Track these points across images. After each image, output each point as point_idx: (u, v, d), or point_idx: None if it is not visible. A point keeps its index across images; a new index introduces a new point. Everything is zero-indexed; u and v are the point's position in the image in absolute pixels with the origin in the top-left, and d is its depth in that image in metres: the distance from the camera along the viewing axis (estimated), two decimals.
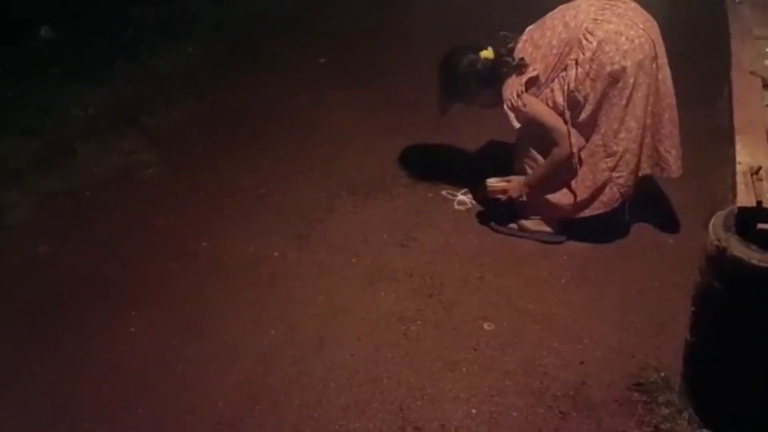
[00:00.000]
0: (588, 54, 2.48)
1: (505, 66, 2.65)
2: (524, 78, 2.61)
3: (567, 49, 2.53)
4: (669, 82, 2.58)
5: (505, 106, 2.66)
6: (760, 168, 1.71)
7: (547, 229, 2.84)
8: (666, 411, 2.05)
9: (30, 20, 4.51)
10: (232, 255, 2.87)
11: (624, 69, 2.45)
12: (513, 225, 2.91)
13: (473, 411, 2.16)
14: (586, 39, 2.49)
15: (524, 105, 2.60)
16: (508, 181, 2.81)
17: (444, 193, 3.14)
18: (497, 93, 2.69)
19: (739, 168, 1.74)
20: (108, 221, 3.09)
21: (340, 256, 2.83)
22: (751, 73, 2.16)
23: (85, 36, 4.47)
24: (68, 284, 2.75)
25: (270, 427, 2.15)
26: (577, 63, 2.51)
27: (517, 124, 2.66)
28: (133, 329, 2.53)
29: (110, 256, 2.89)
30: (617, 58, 2.45)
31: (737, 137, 1.86)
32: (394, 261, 2.79)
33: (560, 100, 2.57)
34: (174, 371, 2.36)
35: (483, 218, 2.97)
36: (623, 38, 2.45)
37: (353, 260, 2.81)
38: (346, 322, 2.52)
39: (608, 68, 2.46)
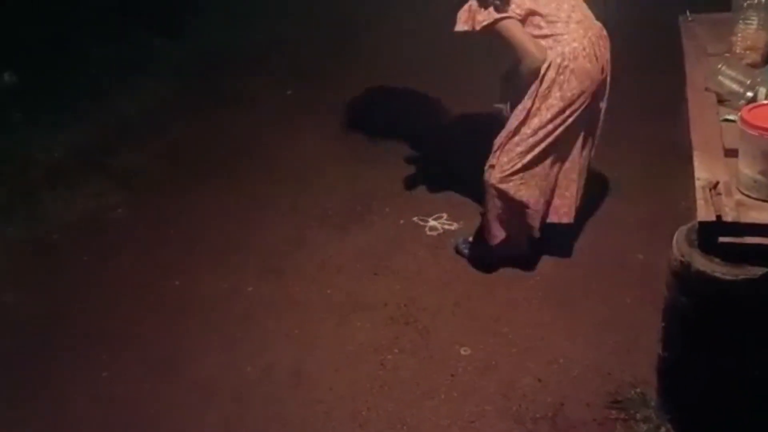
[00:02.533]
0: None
1: None
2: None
3: None
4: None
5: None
6: (717, 183, 1.75)
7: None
8: (644, 427, 2.06)
9: None
10: (205, 293, 2.84)
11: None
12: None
13: None
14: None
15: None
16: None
17: (415, 219, 3.16)
18: None
19: (698, 183, 1.77)
20: (76, 265, 3.05)
21: (314, 288, 2.82)
22: (706, 89, 2.21)
23: (47, 79, 4.44)
24: (37, 332, 2.70)
25: None
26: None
27: (461, 28, 2.46)
28: (105, 374, 2.49)
29: (80, 300, 2.85)
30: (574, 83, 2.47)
31: (695, 153, 1.90)
32: (369, 290, 2.78)
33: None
34: (148, 415, 2.32)
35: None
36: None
37: (327, 292, 2.80)
38: (323, 356, 2.50)
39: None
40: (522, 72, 2.51)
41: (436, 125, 3.75)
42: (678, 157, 3.11)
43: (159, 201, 3.45)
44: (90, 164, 3.72)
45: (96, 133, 4.01)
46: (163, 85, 4.53)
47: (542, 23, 2.45)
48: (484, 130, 2.72)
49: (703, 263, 1.69)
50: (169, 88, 4.50)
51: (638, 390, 2.18)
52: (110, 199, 3.45)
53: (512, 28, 2.43)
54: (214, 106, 4.23)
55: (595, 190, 3.12)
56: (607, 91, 2.63)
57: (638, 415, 2.10)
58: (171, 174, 3.65)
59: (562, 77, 2.45)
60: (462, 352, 2.46)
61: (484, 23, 2.42)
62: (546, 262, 2.85)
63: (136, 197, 3.46)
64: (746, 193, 1.75)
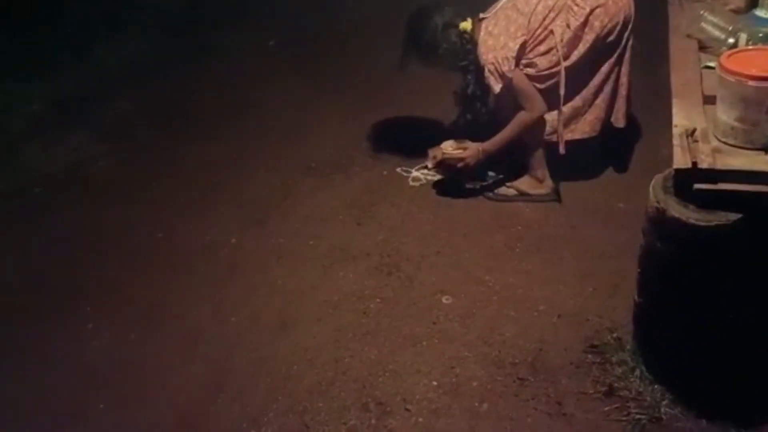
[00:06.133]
0: (580, 19, 2.61)
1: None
2: (515, 44, 2.62)
3: (553, 14, 2.63)
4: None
5: (486, 71, 2.67)
6: (695, 130, 1.75)
7: (541, 189, 2.88)
8: (619, 370, 2.11)
9: None
10: (189, 245, 2.85)
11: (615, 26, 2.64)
12: (504, 189, 2.94)
13: (434, 383, 2.19)
14: (577, 5, 2.61)
15: (510, 70, 2.63)
16: (464, 148, 2.82)
17: (399, 170, 3.16)
18: (466, 60, 2.71)
19: (675, 131, 1.78)
20: (59, 218, 3.05)
21: (297, 239, 2.83)
22: (688, 36, 2.19)
23: (27, 32, 4.35)
24: (21, 285, 2.71)
25: (235, 414, 2.16)
26: (568, 27, 2.61)
27: (497, 89, 2.68)
28: (90, 326, 2.50)
29: (63, 253, 2.85)
30: (606, 21, 2.62)
31: (674, 100, 1.90)
32: (352, 241, 2.80)
33: (543, 64, 2.67)
34: (134, 366, 2.34)
35: (476, 191, 2.98)
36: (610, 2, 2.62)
37: (311, 243, 2.81)
38: (307, 305, 2.53)
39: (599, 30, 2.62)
40: (522, 117, 2.71)
41: (422, 76, 3.70)
42: (661, 105, 3.12)
43: (141, 153, 3.42)
44: (71, 117, 3.68)
45: (77, 86, 3.96)
46: (144, 37, 4.45)
47: None
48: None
49: (678, 209, 1.70)
50: (150, 41, 4.42)
51: (615, 335, 2.23)
52: (91, 152, 3.42)
53: (524, 79, 2.67)
54: (196, 59, 4.17)
55: (576, 139, 3.12)
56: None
57: (614, 359, 2.14)
58: (153, 126, 3.62)
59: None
60: (444, 301, 2.50)
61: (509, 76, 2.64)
62: (528, 211, 2.88)
63: (118, 150, 3.44)
64: (723, 140, 1.77)
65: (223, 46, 4.28)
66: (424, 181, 3.09)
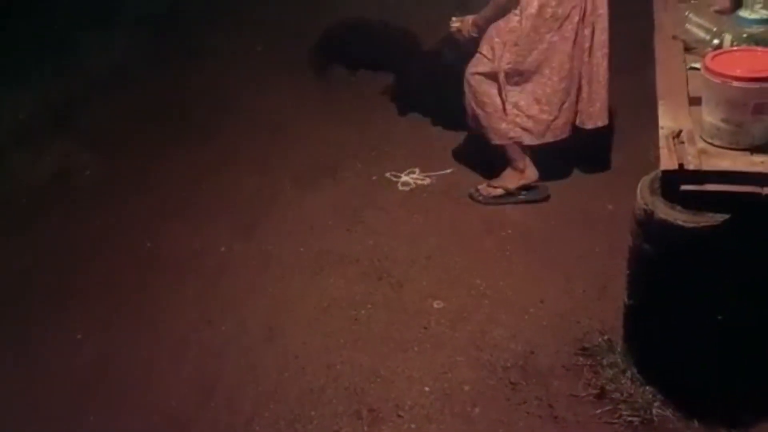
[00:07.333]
0: None
1: None
2: None
3: None
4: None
5: None
6: (681, 131, 1.76)
7: (524, 181, 2.89)
8: (610, 372, 2.11)
9: None
10: (178, 251, 2.83)
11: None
12: (490, 190, 2.95)
13: (426, 389, 2.19)
14: None
15: None
16: (462, 21, 2.87)
17: (388, 174, 3.15)
18: None
19: (661, 132, 1.78)
20: (47, 227, 3.02)
21: (286, 245, 2.82)
22: (673, 37, 2.20)
23: (10, 36, 4.31)
24: (9, 293, 2.68)
25: (225, 421, 2.15)
26: None
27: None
28: (79, 336, 2.48)
29: (51, 262, 2.83)
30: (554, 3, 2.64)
31: (660, 102, 1.90)
32: (342, 246, 2.79)
33: None
34: (123, 372, 2.33)
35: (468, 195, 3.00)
36: None
37: (300, 249, 2.80)
38: (297, 311, 2.51)
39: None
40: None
41: (409, 79, 3.71)
42: (647, 107, 3.14)
43: (128, 160, 3.40)
44: (57, 123, 3.65)
45: (63, 91, 3.92)
46: (130, 41, 4.42)
47: None
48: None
49: (665, 211, 1.71)
50: (136, 44, 4.39)
51: (605, 337, 2.23)
52: (79, 159, 3.40)
53: None
54: (183, 63, 4.14)
55: (565, 141, 3.13)
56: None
57: (604, 361, 2.14)
58: (140, 132, 3.59)
59: None
60: (435, 305, 2.49)
61: None
62: (517, 214, 2.88)
63: (105, 156, 3.42)
64: (709, 140, 1.77)
65: (211, 50, 4.26)
66: (414, 185, 3.08)
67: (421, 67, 3.12)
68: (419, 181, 3.09)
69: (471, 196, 2.96)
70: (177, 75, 4.02)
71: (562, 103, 2.80)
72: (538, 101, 2.78)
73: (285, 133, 3.50)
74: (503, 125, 2.82)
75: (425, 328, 2.41)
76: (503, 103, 2.79)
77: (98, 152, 3.44)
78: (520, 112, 2.80)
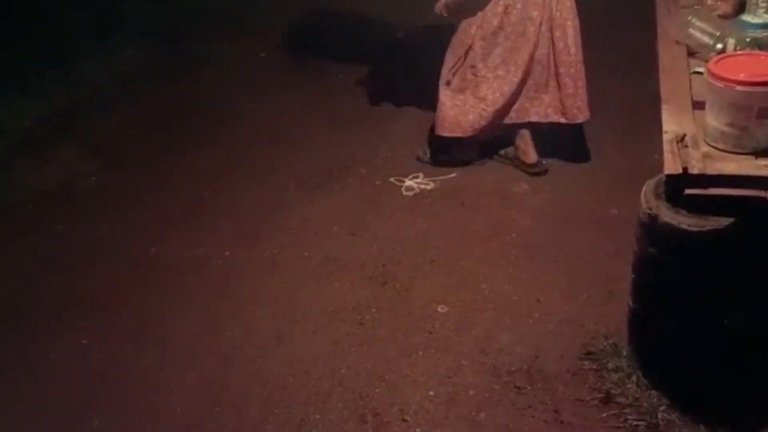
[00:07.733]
0: None
1: None
2: None
3: None
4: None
5: None
6: (685, 135, 1.76)
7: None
8: (616, 376, 2.11)
9: None
10: (183, 258, 2.84)
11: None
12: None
13: (431, 393, 2.19)
14: None
15: None
16: None
17: (392, 179, 3.16)
18: None
19: (665, 136, 1.78)
20: (52, 234, 3.03)
21: (291, 251, 2.83)
22: (677, 42, 2.21)
23: (15, 45, 4.34)
24: (15, 298, 2.69)
25: (231, 427, 2.15)
26: None
27: None
28: (84, 341, 2.49)
29: (56, 269, 2.83)
30: None
31: (663, 106, 1.91)
32: (346, 251, 2.79)
33: None
34: (129, 380, 2.33)
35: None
36: None
37: (305, 254, 2.81)
38: (302, 317, 2.52)
39: None
40: None
41: (413, 83, 3.72)
42: (653, 111, 3.14)
43: (132, 168, 3.41)
44: (62, 131, 3.66)
45: (67, 100, 3.95)
46: (133, 49, 4.45)
47: None
48: None
49: (669, 215, 1.71)
50: (140, 53, 4.42)
51: (611, 341, 2.23)
52: (84, 167, 3.41)
53: None
54: (186, 70, 4.17)
55: (569, 146, 3.14)
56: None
57: (610, 365, 2.14)
58: (144, 140, 3.61)
59: None
60: (439, 310, 2.49)
61: None
62: (522, 218, 2.88)
63: (110, 164, 3.43)
64: (713, 144, 1.77)
65: (214, 57, 4.28)
66: (418, 190, 3.09)
67: (425, 72, 3.12)
68: (423, 186, 3.10)
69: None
70: (180, 82, 4.04)
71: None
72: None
73: (288, 139, 3.51)
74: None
75: (430, 332, 2.41)
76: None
77: (103, 159, 3.45)
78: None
